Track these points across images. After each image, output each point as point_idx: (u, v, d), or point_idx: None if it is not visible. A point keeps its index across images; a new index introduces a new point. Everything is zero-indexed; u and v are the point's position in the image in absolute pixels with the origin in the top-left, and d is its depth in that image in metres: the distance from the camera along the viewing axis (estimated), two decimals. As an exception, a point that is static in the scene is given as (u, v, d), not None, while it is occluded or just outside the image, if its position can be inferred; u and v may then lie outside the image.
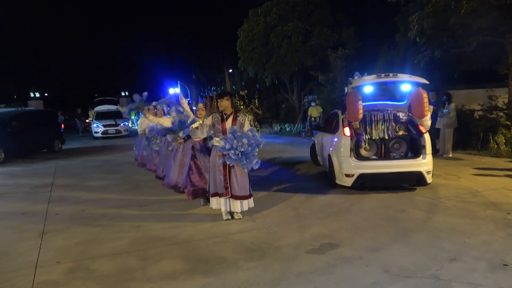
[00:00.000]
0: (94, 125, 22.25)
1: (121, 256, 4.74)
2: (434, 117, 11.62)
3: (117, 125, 22.17)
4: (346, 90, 8.18)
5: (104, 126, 22.20)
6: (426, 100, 7.39)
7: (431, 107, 11.65)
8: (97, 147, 18.50)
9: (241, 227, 5.69)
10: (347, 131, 7.69)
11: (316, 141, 10.43)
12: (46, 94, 36.37)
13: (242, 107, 18.55)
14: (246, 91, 19.91)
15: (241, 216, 6.02)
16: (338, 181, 7.78)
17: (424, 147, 7.49)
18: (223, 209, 6.02)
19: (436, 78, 14.62)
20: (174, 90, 36.89)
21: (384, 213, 6.09)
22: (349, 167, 7.47)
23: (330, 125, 9.15)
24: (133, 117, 30.71)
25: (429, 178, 7.37)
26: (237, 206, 5.94)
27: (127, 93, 34.04)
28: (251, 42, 20.24)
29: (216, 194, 6.01)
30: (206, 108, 7.12)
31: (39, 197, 8.20)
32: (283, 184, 8.55)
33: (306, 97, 22.15)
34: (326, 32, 18.82)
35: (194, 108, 8.38)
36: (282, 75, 20.32)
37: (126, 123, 22.62)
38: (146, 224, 5.97)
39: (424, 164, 7.37)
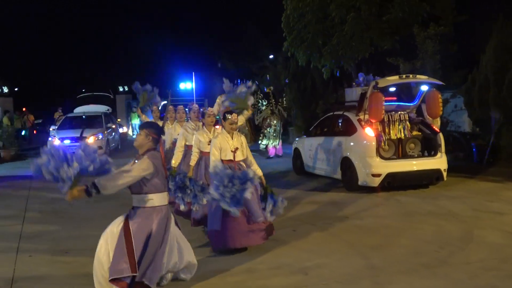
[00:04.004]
0: (50, 139, 20.68)
1: (118, 318, 4.82)
2: None
3: (83, 139, 19.93)
4: (356, 92, 11.67)
5: (63, 140, 19.92)
6: (440, 100, 10.93)
7: None
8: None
9: (288, 281, 5.68)
10: (370, 131, 10.53)
11: (301, 148, 13.61)
12: (16, 89, 37.81)
13: (265, 107, 18.75)
14: (272, 88, 20.03)
15: None
16: (361, 183, 10.60)
17: (440, 145, 10.79)
18: None
19: None
20: (185, 85, 37.27)
21: (499, 267, 5.94)
22: (376, 167, 10.35)
23: (332, 128, 12.37)
24: (133, 122, 31.15)
25: (445, 176, 10.73)
26: None
27: (126, 89, 34.63)
28: (302, 17, 20.22)
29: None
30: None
31: (6, 232, 8.49)
32: (346, 219, 8.52)
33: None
34: (413, 0, 18.58)
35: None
36: (346, 63, 20.18)
37: (102, 136, 20.83)
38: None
39: (442, 162, 10.75)
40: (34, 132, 30.88)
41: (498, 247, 6.74)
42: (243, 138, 7.20)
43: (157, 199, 5.14)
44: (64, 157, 4.69)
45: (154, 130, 5.24)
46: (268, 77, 25.27)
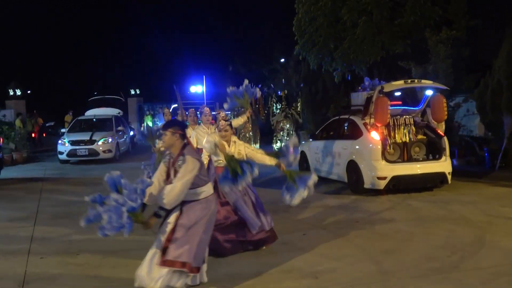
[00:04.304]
0: (60, 142, 20.57)
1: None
2: None
3: (92, 142, 20.07)
4: (362, 96, 11.87)
5: (72, 143, 20.04)
6: (445, 105, 11.23)
7: None
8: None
9: (298, 285, 5.68)
10: (376, 135, 10.80)
11: (307, 151, 13.71)
12: (29, 92, 38.12)
13: (278, 111, 18.83)
14: (286, 91, 19.97)
15: None
16: (367, 186, 10.86)
17: (444, 149, 11.05)
18: None
19: None
20: (196, 89, 37.29)
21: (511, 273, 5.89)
22: (382, 170, 10.62)
23: (338, 131, 12.60)
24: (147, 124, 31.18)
25: (449, 179, 10.94)
26: None
27: (137, 91, 34.72)
28: (314, 20, 20.16)
29: None
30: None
31: (17, 233, 8.56)
32: (357, 223, 8.46)
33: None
34: (425, 4, 18.51)
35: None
36: (358, 66, 20.13)
37: (111, 140, 20.56)
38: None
39: (446, 165, 10.99)
40: (44, 134, 31.07)
41: (510, 253, 6.68)
42: (241, 146, 7.02)
43: (207, 190, 5.35)
44: (118, 204, 4.69)
45: (178, 127, 5.31)
46: (283, 80, 25.23)
